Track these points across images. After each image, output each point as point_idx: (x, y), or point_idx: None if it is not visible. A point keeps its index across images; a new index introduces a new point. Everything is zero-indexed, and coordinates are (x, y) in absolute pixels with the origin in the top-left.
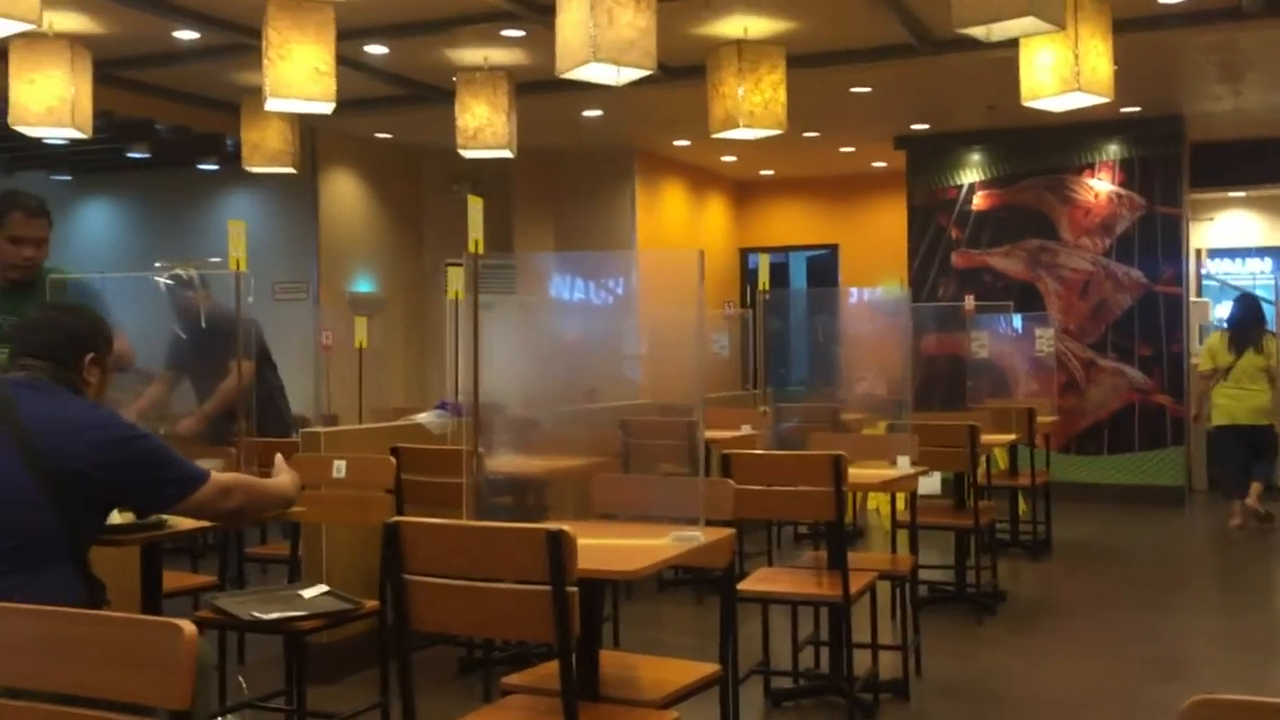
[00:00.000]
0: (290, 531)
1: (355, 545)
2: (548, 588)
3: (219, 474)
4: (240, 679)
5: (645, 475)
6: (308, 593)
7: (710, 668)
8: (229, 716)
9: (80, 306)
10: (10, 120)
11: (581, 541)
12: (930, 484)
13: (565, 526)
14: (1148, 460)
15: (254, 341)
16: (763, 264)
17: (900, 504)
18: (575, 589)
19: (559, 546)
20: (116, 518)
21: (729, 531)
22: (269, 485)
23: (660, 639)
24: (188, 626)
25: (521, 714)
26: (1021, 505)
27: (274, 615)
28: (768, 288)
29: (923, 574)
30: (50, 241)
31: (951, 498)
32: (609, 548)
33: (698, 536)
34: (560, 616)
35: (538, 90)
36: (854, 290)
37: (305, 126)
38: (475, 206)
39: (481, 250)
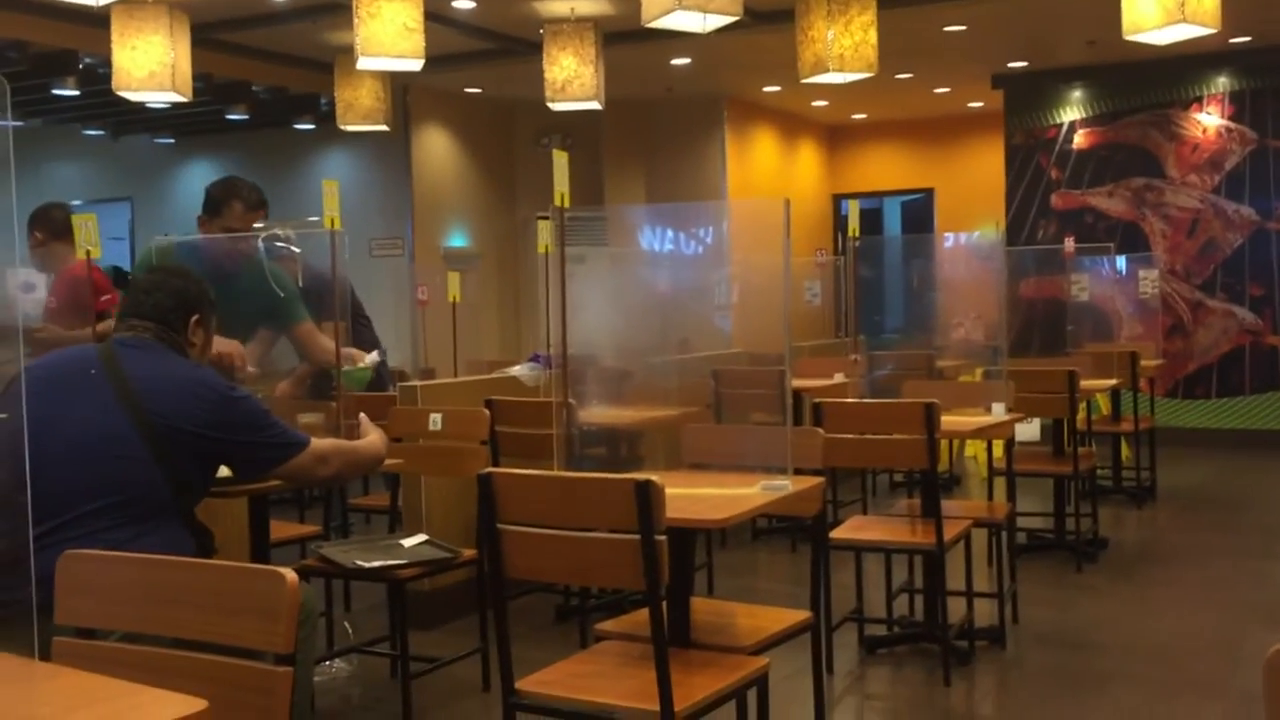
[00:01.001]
0: (391, 483)
1: (453, 496)
2: (637, 537)
3: (318, 440)
4: (346, 625)
5: (735, 425)
6: (408, 542)
7: (802, 614)
8: (336, 660)
9: (185, 269)
10: (114, 86)
11: (671, 491)
12: (1030, 431)
13: (654, 477)
14: (1259, 404)
15: (346, 300)
16: (852, 210)
17: (997, 451)
18: (664, 538)
19: (647, 496)
20: (225, 470)
21: (818, 480)
22: (362, 447)
23: (754, 586)
24: (289, 574)
25: (614, 660)
26: (1125, 451)
27: (376, 563)
28: (858, 234)
29: (1022, 521)
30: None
31: (1051, 444)
32: (698, 497)
33: (786, 486)
34: (649, 565)
35: (625, 40)
36: (949, 235)
37: (397, 84)
38: (561, 160)
39: (568, 203)
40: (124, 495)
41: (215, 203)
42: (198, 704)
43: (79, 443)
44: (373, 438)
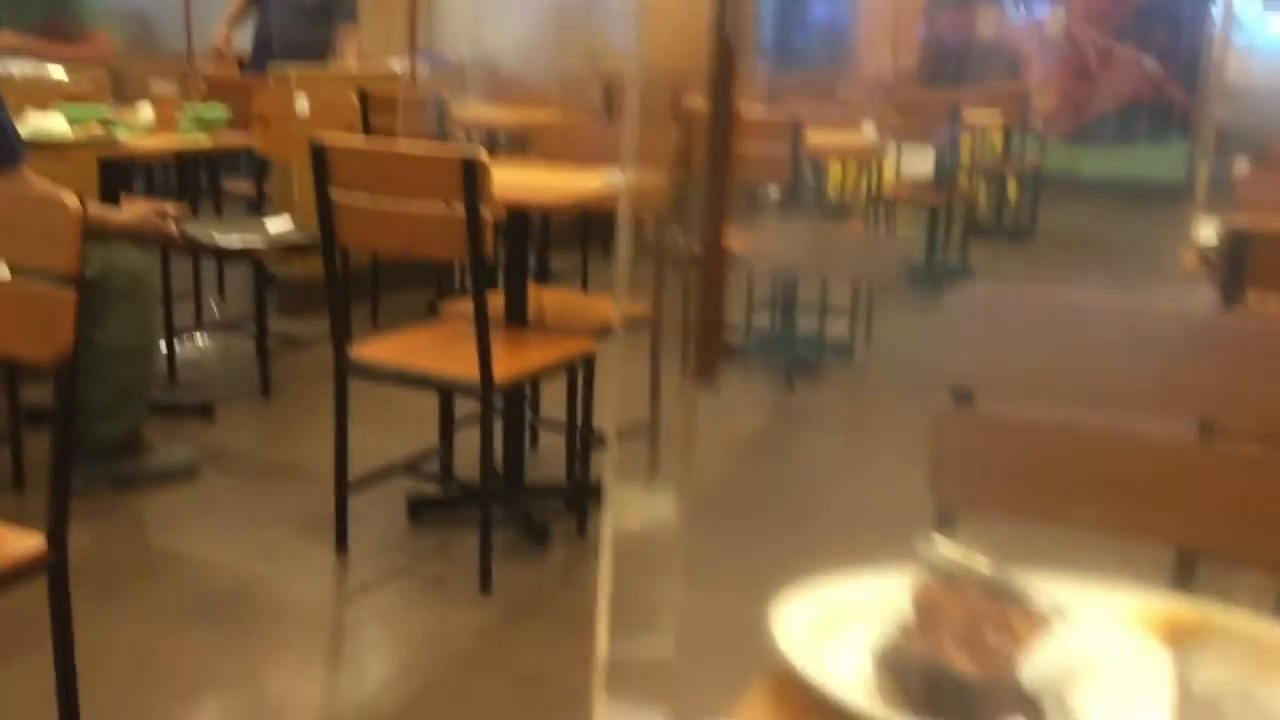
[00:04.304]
0: (256, 169)
1: None
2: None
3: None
4: (212, 303)
5: (592, 125)
6: (272, 225)
7: (642, 307)
8: (200, 336)
9: None
10: None
11: (514, 179)
12: (923, 165)
13: (483, 157)
14: (1152, 154)
15: None
16: None
17: (888, 179)
18: (489, 214)
19: (474, 172)
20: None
21: (660, 180)
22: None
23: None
24: (70, 198)
25: (451, 334)
26: (1011, 192)
27: (234, 241)
28: None
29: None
30: None
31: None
32: (540, 185)
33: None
34: (473, 239)
35: None
36: None
37: None
38: None
39: None
40: None
41: None
42: None
43: None
44: (124, 216)
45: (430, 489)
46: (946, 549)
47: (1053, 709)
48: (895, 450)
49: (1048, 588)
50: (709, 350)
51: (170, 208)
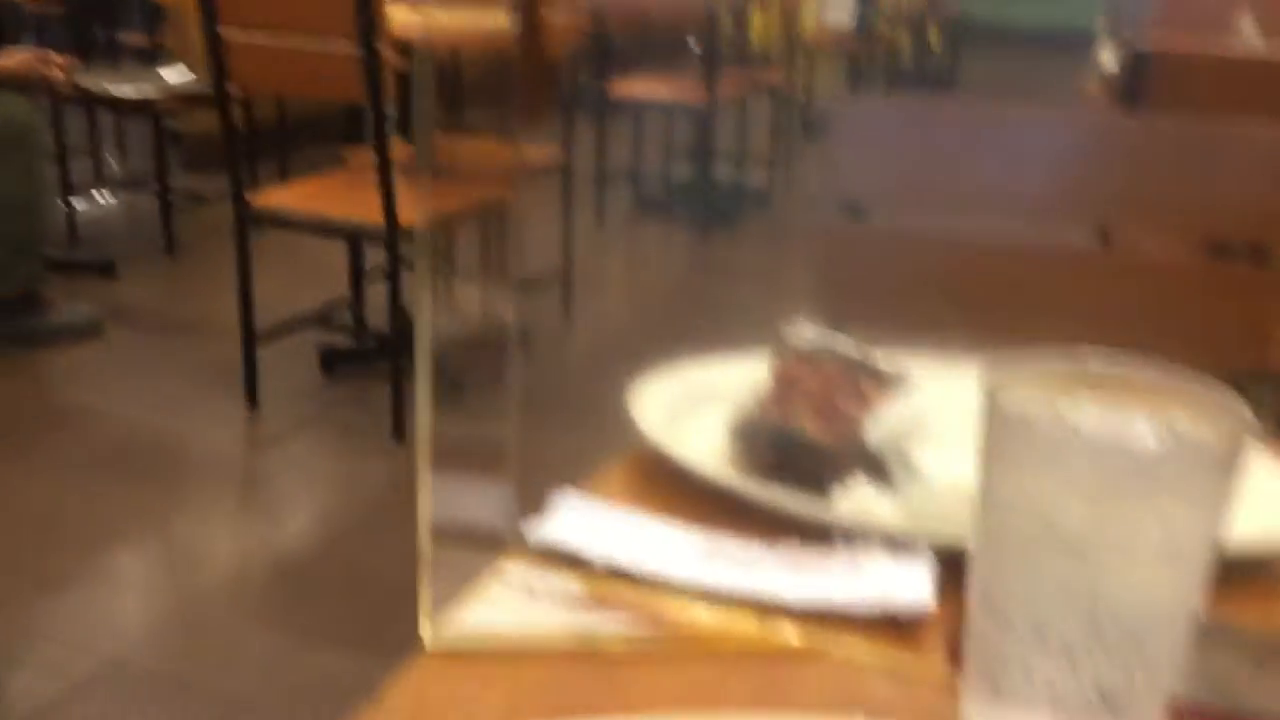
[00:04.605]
0: (148, 18)
1: None
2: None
3: None
4: (109, 158)
5: None
6: (170, 75)
7: (553, 150)
8: (99, 192)
9: None
10: None
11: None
12: (844, 14)
13: None
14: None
15: None
16: None
17: (808, 26)
18: (388, 52)
19: (367, 4)
20: None
21: (572, 19)
22: None
23: None
24: None
25: (356, 181)
26: (934, 40)
27: (129, 91)
28: None
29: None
30: None
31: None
32: (448, 26)
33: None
34: (370, 77)
35: None
36: None
37: None
38: None
39: None
40: None
41: None
42: None
43: None
44: (5, 63)
45: (342, 340)
46: (808, 330)
47: (896, 465)
48: (807, 294)
49: (905, 360)
50: (534, 91)
51: (55, 55)
